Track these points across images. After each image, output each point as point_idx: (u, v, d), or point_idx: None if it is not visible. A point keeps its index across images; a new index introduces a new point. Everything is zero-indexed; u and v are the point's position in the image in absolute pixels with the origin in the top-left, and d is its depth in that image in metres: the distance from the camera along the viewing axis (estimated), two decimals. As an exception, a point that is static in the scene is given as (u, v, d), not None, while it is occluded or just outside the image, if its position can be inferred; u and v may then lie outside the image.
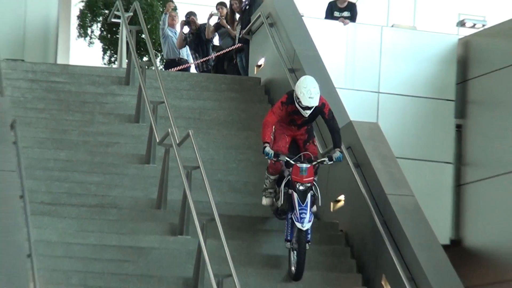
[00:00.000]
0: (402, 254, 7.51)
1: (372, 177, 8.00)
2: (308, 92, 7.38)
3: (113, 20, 12.10)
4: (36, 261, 6.72)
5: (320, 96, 7.61)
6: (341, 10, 11.76)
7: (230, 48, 12.09)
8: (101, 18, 14.00)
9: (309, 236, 7.54)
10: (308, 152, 7.78)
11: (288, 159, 7.69)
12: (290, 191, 7.61)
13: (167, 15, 12.55)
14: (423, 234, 7.59)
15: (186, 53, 12.80)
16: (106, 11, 13.61)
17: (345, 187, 8.40)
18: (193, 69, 13.00)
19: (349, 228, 8.59)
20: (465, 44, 11.93)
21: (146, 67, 10.54)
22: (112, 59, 13.99)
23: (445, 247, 8.59)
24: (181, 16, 13.05)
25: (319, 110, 7.75)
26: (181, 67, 12.59)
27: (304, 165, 7.62)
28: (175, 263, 7.71)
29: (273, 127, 7.83)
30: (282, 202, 7.85)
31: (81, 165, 8.92)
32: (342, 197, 8.46)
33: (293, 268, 7.52)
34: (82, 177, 8.68)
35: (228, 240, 7.06)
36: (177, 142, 8.02)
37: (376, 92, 11.51)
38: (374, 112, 11.40)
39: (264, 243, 8.03)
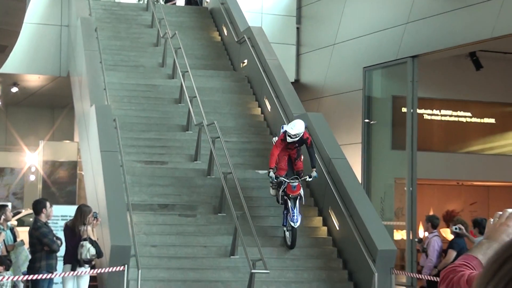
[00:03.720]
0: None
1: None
2: (292, 130, 11.63)
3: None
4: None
5: (305, 132, 11.88)
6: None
7: (194, -6, 21.59)
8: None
9: (298, 224, 11.64)
10: (297, 174, 11.91)
11: (285, 179, 11.72)
12: (285, 197, 11.66)
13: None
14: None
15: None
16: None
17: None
18: (178, 3, 21.94)
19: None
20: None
21: (156, 2, 19.21)
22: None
23: (292, 83, 16.93)
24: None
25: (304, 141, 11.89)
26: (172, 2, 22.00)
27: (295, 183, 11.63)
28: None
29: (277, 155, 11.85)
30: (281, 201, 11.94)
31: (126, 47, 17.30)
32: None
33: (288, 242, 11.83)
34: (125, 52, 16.99)
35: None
36: (170, 36, 16.36)
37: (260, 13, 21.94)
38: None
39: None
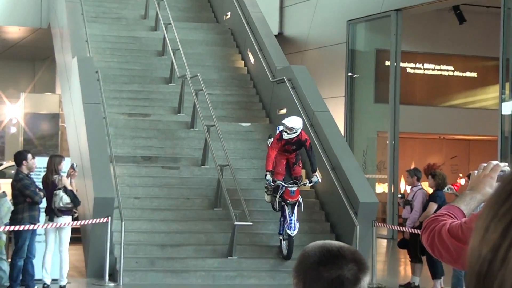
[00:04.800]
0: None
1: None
2: (289, 122, 10.97)
3: None
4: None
5: (304, 133, 11.22)
6: None
7: None
8: None
9: (295, 232, 10.82)
10: (295, 179, 11.19)
11: (283, 184, 10.99)
12: (283, 203, 10.97)
13: None
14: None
15: None
16: None
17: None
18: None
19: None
20: None
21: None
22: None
23: (276, 36, 17.29)
24: None
25: (303, 143, 11.20)
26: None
27: (293, 188, 10.95)
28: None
29: (274, 157, 11.11)
30: (277, 208, 11.19)
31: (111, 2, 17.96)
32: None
33: (284, 253, 11.06)
34: (107, 4, 17.10)
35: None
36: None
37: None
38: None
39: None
